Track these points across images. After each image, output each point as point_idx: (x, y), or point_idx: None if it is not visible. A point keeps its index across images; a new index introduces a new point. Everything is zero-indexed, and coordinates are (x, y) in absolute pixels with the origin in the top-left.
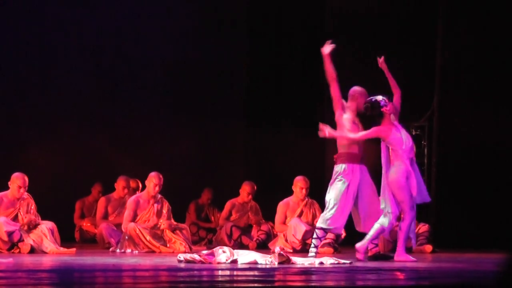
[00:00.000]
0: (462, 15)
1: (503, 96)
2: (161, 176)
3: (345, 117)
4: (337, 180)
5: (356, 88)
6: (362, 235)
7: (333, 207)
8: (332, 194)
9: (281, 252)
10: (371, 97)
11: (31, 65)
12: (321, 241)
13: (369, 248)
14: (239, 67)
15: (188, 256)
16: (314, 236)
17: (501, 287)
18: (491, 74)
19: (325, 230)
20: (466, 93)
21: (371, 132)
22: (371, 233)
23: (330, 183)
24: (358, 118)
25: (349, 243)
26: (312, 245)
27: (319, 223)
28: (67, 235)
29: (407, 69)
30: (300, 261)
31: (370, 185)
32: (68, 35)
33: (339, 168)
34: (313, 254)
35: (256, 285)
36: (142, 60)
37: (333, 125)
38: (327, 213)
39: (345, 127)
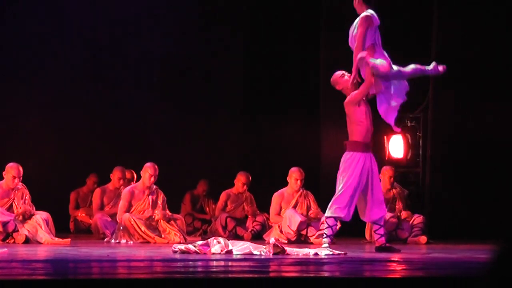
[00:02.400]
0: (457, 7)
1: (497, 88)
2: (156, 167)
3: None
4: (346, 167)
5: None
6: (357, 226)
7: (341, 195)
8: (342, 182)
9: (276, 243)
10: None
11: (27, 57)
12: (332, 230)
13: (375, 239)
14: (236, 58)
15: (183, 246)
16: (325, 225)
17: (493, 277)
18: (486, 66)
19: (335, 218)
20: (461, 84)
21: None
22: None
23: (340, 171)
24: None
25: (344, 234)
26: (324, 235)
27: (328, 213)
28: (62, 226)
29: (403, 59)
30: (295, 252)
31: (377, 174)
32: (65, 29)
33: (349, 155)
34: (326, 244)
35: (251, 275)
36: (138, 51)
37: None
38: (335, 201)
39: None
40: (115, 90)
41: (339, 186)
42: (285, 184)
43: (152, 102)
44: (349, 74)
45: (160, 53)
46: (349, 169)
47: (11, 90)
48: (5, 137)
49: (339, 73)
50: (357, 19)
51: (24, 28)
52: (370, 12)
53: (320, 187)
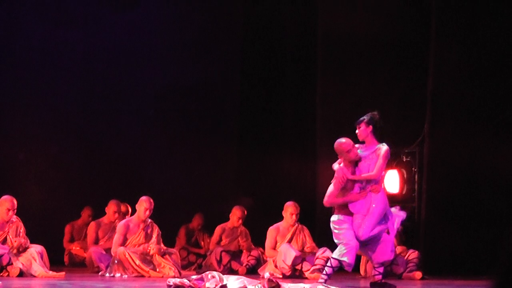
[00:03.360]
0: (454, 42)
1: (493, 123)
2: (151, 201)
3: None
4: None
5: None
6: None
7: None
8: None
9: (271, 277)
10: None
11: (19, 85)
12: (333, 271)
13: (373, 274)
14: (232, 90)
15: (178, 280)
16: (328, 264)
17: None
18: (482, 101)
19: (340, 262)
20: (457, 119)
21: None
22: None
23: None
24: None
25: (339, 269)
26: (324, 272)
27: (335, 254)
28: (56, 259)
29: (399, 95)
30: (289, 287)
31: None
32: (59, 57)
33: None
34: (322, 280)
35: None
36: (134, 83)
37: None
38: (343, 247)
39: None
40: (110, 122)
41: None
42: (280, 218)
43: (147, 135)
44: (357, 147)
45: (155, 85)
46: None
47: (6, 121)
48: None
49: (347, 143)
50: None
51: (20, 59)
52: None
53: (316, 222)
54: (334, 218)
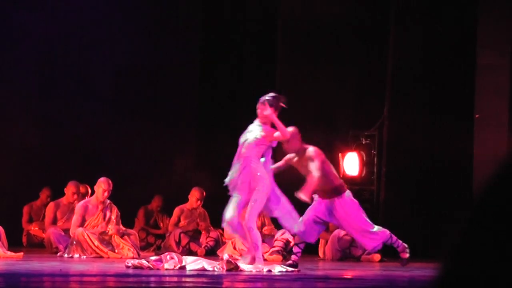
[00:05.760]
0: (413, 26)
1: (451, 107)
2: (110, 182)
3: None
4: None
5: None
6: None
7: None
8: None
9: (230, 259)
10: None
11: None
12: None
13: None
14: (191, 72)
15: (136, 261)
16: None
17: None
18: (440, 85)
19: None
20: (416, 103)
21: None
22: None
23: None
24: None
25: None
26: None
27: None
28: (14, 239)
29: (358, 78)
30: (248, 269)
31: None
32: (17, 38)
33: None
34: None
35: None
36: (92, 63)
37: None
38: None
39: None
40: (69, 103)
41: None
42: None
43: (106, 116)
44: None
45: (114, 66)
46: None
47: None
48: None
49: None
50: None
51: None
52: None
53: None
54: None
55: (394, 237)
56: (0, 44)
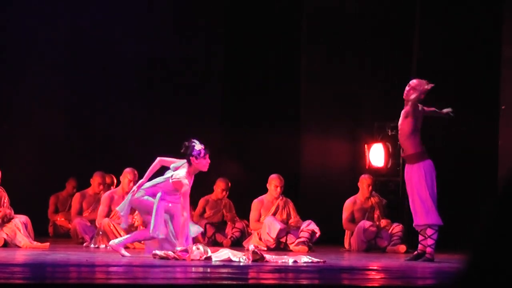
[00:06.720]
0: (439, 17)
1: (477, 98)
2: (136, 172)
3: None
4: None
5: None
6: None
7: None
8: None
9: (255, 250)
10: (192, 140)
11: (4, 57)
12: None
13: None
14: (216, 65)
15: (162, 252)
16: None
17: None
18: (465, 76)
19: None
20: (441, 94)
21: None
22: None
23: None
24: None
25: (323, 242)
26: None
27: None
28: (40, 230)
29: (384, 70)
30: (274, 259)
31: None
32: (44, 30)
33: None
34: None
35: (229, 282)
36: (118, 56)
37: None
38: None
39: None
40: (95, 94)
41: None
42: (265, 191)
43: (132, 107)
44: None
45: (139, 59)
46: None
47: None
48: None
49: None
50: None
51: (6, 32)
52: None
53: (300, 195)
54: None
55: (436, 236)
56: (28, 37)
